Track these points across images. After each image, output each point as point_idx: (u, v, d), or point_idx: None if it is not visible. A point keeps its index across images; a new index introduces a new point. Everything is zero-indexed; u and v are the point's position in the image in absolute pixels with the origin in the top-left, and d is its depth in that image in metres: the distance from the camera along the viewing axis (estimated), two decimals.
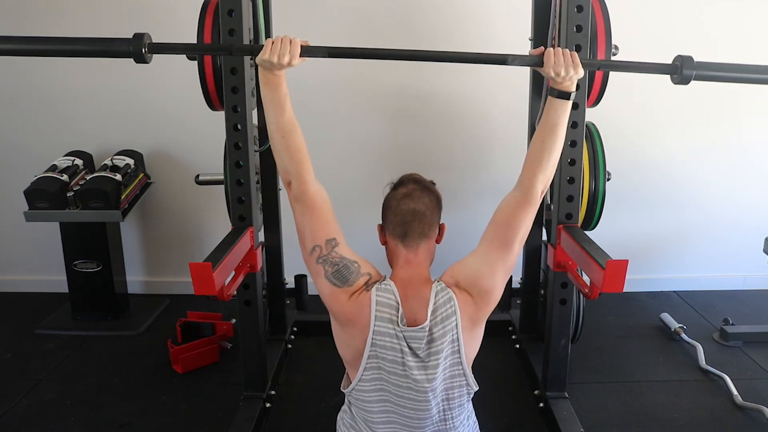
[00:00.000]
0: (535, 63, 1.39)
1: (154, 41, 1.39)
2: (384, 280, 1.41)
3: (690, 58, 1.43)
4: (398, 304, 1.37)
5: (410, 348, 1.36)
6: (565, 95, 1.37)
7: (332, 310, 1.41)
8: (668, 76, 1.48)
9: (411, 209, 1.42)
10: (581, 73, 1.36)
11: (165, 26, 2.98)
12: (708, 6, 3.03)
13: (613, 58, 2.11)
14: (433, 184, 1.54)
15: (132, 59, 1.37)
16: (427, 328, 1.36)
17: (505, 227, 1.41)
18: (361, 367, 1.39)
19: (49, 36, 1.43)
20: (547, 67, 1.35)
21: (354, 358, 1.40)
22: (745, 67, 1.57)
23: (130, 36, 1.36)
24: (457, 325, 1.37)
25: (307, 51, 1.35)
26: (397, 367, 1.37)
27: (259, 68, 1.34)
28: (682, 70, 1.44)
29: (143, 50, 1.36)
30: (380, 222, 1.51)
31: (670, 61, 1.48)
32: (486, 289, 1.40)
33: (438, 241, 1.51)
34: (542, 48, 1.39)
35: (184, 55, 2.09)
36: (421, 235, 1.43)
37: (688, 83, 1.45)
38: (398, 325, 1.35)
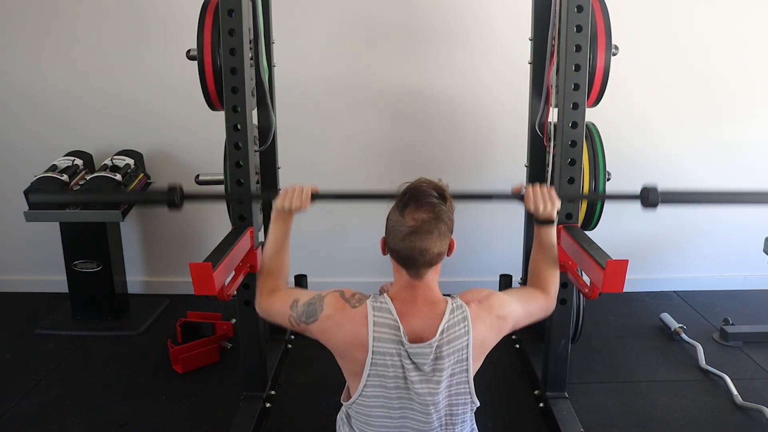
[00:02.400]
0: (517, 199, 1.58)
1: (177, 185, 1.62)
2: (380, 297, 1.38)
3: (654, 188, 1.60)
4: (397, 321, 1.33)
5: (414, 363, 1.33)
6: (548, 222, 1.55)
7: (331, 345, 1.39)
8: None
9: (419, 248, 1.30)
10: (559, 205, 1.53)
11: (165, 26, 2.99)
12: (707, 6, 3.03)
13: (612, 58, 2.11)
14: (445, 191, 1.38)
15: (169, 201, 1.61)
16: (435, 345, 1.32)
17: (529, 297, 1.54)
18: (362, 383, 1.36)
19: (102, 192, 1.62)
20: (527, 203, 1.53)
21: (355, 374, 1.38)
22: (706, 194, 1.79)
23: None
24: (468, 345, 1.35)
25: (317, 197, 1.57)
26: (399, 382, 1.35)
27: (273, 207, 1.55)
28: (648, 199, 1.60)
29: (176, 199, 1.63)
30: (383, 235, 1.41)
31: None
32: (506, 316, 1.41)
33: (448, 255, 1.41)
34: (522, 185, 1.57)
35: (184, 55, 2.10)
36: (429, 266, 1.36)
37: (656, 209, 1.62)
38: (401, 344, 1.32)
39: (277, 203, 1.53)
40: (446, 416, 1.40)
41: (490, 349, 1.43)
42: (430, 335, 1.33)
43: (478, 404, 1.45)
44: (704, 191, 1.76)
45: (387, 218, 1.37)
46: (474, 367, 1.39)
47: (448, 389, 1.37)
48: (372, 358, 1.33)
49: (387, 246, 1.38)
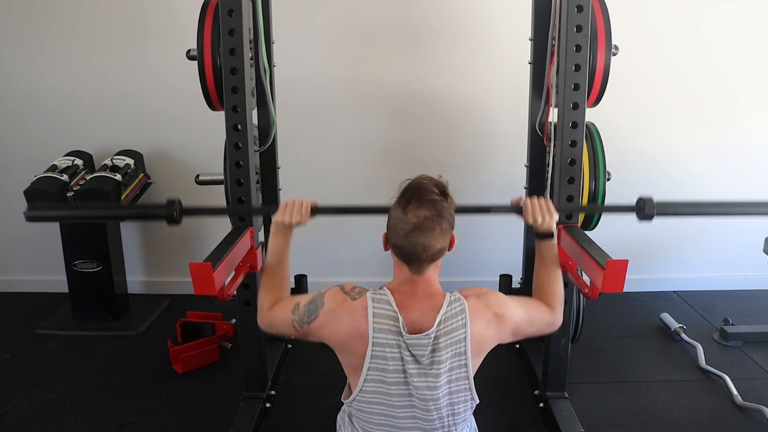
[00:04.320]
0: (516, 211, 1.60)
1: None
2: (380, 290, 1.39)
3: (650, 200, 1.63)
4: (396, 313, 1.34)
5: (413, 355, 1.34)
6: (548, 235, 1.57)
7: (332, 341, 1.40)
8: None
9: (421, 245, 1.32)
10: (557, 218, 1.55)
11: (165, 26, 2.99)
12: (708, 6, 3.03)
13: (612, 58, 2.11)
14: (446, 187, 1.41)
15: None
16: (432, 336, 1.33)
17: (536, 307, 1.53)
18: (362, 378, 1.37)
19: (97, 205, 1.68)
20: (526, 216, 1.56)
21: (355, 368, 1.38)
22: (702, 204, 1.80)
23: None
24: (465, 337, 1.35)
25: (317, 211, 1.58)
26: (399, 376, 1.35)
27: (272, 222, 1.57)
28: (644, 210, 1.63)
29: (175, 214, 1.62)
30: (385, 231, 1.43)
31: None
32: (504, 314, 1.41)
33: (449, 250, 1.43)
34: (521, 197, 1.60)
35: (184, 55, 2.10)
36: (430, 262, 1.37)
37: (651, 220, 1.66)
38: (400, 335, 1.33)
39: (277, 218, 1.55)
40: (448, 415, 1.40)
41: (490, 348, 1.43)
42: (428, 326, 1.34)
43: (478, 401, 1.45)
44: (701, 202, 1.76)
45: (389, 215, 1.39)
46: (473, 363, 1.39)
47: (448, 385, 1.37)
48: (372, 350, 1.34)
49: (389, 242, 1.40)
